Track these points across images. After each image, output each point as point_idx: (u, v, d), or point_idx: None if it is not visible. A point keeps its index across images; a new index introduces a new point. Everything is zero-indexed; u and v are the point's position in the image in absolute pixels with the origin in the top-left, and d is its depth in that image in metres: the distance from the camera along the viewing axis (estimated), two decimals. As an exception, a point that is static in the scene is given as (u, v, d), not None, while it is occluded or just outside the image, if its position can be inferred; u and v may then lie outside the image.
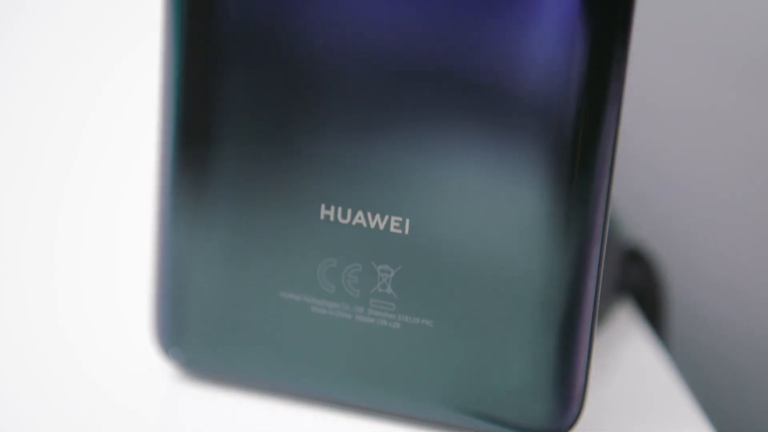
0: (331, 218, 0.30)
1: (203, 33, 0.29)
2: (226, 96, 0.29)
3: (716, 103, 0.43)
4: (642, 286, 0.41)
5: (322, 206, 0.30)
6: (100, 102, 0.50)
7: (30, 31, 0.52)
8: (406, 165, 0.29)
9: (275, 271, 0.30)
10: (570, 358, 0.29)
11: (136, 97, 0.47)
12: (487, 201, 0.29)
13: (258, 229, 0.30)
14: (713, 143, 0.43)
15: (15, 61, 0.51)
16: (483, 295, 0.29)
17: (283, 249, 0.30)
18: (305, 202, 0.30)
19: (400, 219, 0.29)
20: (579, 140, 0.28)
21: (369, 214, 0.29)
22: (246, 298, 0.31)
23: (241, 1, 0.29)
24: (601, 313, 0.35)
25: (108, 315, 0.37)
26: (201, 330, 0.31)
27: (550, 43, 0.27)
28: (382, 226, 0.29)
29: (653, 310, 0.40)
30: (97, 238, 0.43)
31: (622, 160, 0.31)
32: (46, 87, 0.50)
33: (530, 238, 0.28)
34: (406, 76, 0.28)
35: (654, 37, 0.42)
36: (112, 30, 0.50)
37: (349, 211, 0.29)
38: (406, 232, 0.29)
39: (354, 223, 0.29)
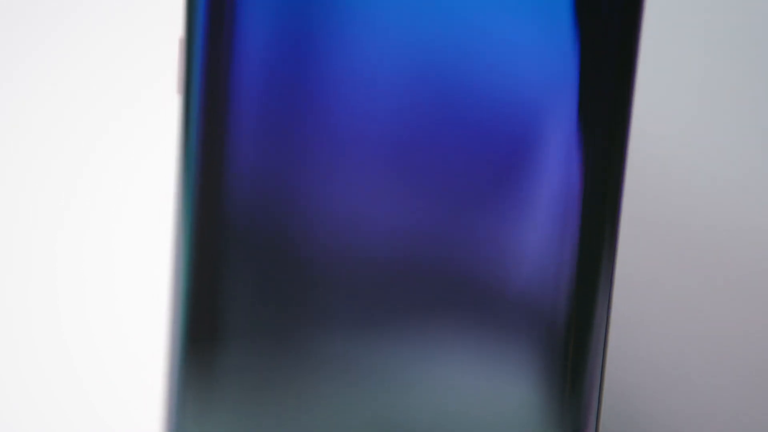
0: (336, 413, 0.30)
1: (212, 231, 0.29)
2: (234, 292, 0.30)
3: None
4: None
5: (326, 401, 0.30)
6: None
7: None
8: (403, 361, 0.29)
9: None
10: None
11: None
12: (480, 398, 0.29)
13: (265, 424, 0.30)
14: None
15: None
16: None
17: None
18: (310, 399, 0.30)
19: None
20: (572, 336, 0.28)
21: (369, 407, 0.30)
22: None
23: (247, 200, 0.29)
24: None
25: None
26: None
27: (541, 238, 0.28)
28: None
29: None
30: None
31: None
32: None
33: None
34: (402, 274, 0.29)
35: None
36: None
37: (351, 404, 0.30)
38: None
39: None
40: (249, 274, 0.29)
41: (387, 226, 0.28)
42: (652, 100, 0.39)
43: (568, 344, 0.28)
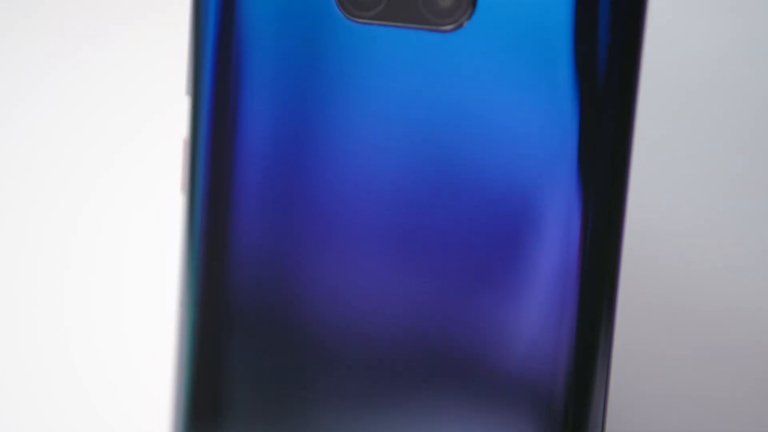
0: None
1: (215, 311, 0.29)
2: (235, 371, 0.29)
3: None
4: None
5: None
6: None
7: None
8: None
9: None
10: None
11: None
12: None
13: None
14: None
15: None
16: None
17: None
18: None
19: None
20: (570, 415, 0.28)
21: None
22: None
23: (248, 280, 0.29)
24: None
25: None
26: None
27: (539, 316, 0.27)
28: None
29: None
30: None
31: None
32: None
33: None
34: (401, 351, 0.28)
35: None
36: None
37: None
38: None
39: None
40: (250, 351, 0.29)
41: (386, 304, 0.28)
42: (649, 178, 0.39)
43: (566, 424, 0.28)
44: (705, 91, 0.40)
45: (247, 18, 0.28)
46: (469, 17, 0.27)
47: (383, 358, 0.28)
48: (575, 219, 0.27)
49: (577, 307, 0.27)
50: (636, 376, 0.40)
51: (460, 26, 0.27)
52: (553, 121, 0.27)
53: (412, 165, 0.28)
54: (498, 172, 0.27)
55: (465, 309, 0.28)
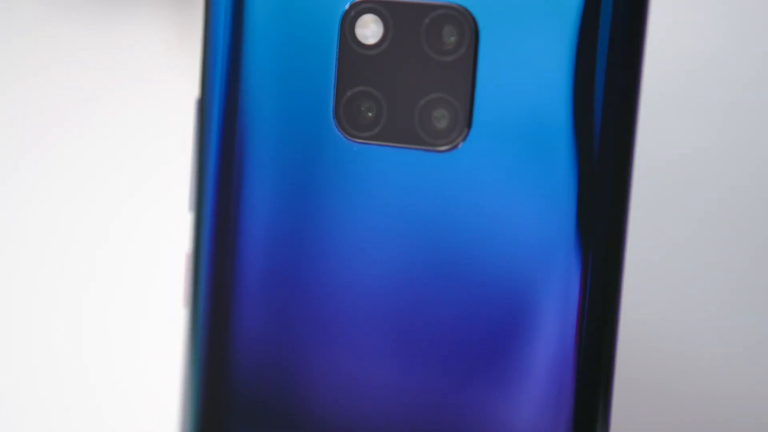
0: None
1: (217, 406, 0.30)
2: None
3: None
4: None
5: None
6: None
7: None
8: None
9: None
10: None
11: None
12: None
13: None
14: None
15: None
16: None
17: None
18: None
19: None
20: None
21: None
22: None
23: (250, 375, 0.29)
24: None
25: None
26: None
27: (536, 406, 0.28)
28: None
29: None
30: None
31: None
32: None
33: None
34: None
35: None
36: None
37: None
38: None
39: None
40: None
41: (384, 396, 0.29)
42: (644, 267, 0.39)
43: None
44: (696, 185, 0.40)
45: (248, 136, 0.28)
46: (465, 138, 0.27)
47: None
48: (572, 308, 0.27)
49: (574, 397, 0.28)
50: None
51: (455, 147, 0.27)
52: (547, 220, 0.27)
53: (410, 270, 0.28)
54: (493, 270, 0.28)
55: (463, 399, 0.28)
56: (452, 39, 0.27)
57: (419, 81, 0.27)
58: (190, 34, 0.56)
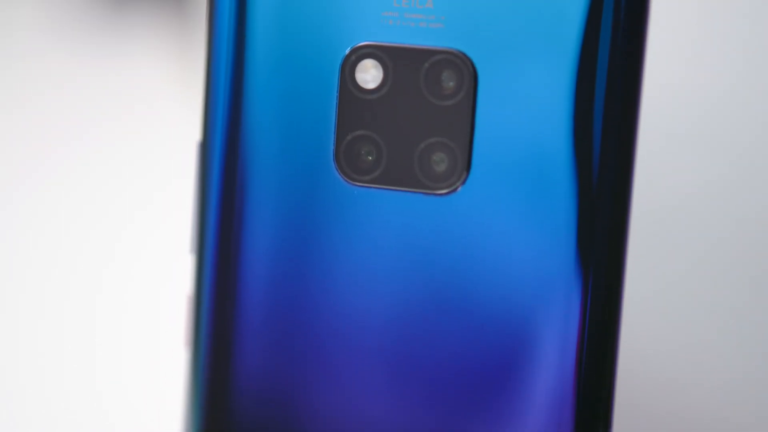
0: None
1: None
2: None
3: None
4: None
5: None
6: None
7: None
8: None
9: None
10: None
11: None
12: None
13: None
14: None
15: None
16: None
17: None
18: None
19: None
20: None
21: None
22: None
23: (251, 408, 0.29)
24: None
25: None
26: None
27: None
28: None
29: None
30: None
31: None
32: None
33: None
34: None
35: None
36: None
37: None
38: None
39: None
40: None
41: (384, 429, 0.29)
42: (642, 306, 0.40)
43: None
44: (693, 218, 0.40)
45: (249, 179, 0.28)
46: (464, 182, 0.28)
47: None
48: (571, 343, 0.28)
49: (574, 430, 0.28)
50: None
51: (454, 191, 0.28)
52: (546, 257, 0.27)
53: (410, 310, 0.28)
54: (492, 309, 0.28)
55: None
56: (451, 84, 0.27)
57: (418, 125, 0.28)
58: (192, 66, 0.56)
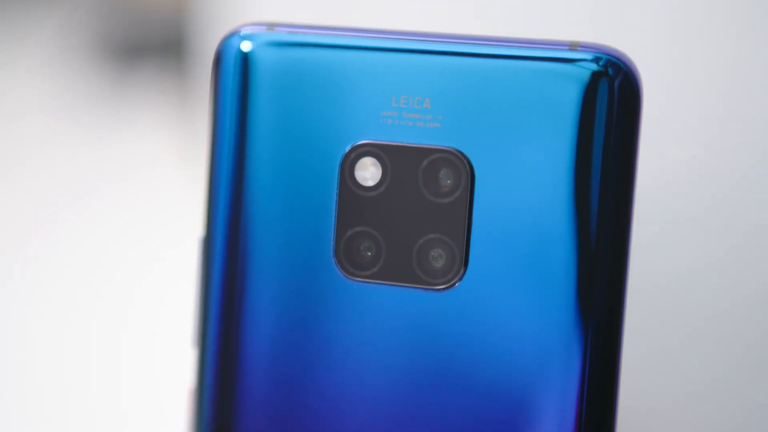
0: None
1: None
2: None
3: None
4: None
5: None
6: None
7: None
8: None
9: None
10: None
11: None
12: None
13: None
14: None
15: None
16: None
17: None
18: None
19: None
20: None
21: None
22: None
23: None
24: None
25: None
26: None
27: None
28: None
29: None
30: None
31: None
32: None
33: None
34: None
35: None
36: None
37: None
38: None
39: None
40: None
41: None
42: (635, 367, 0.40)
43: None
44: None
45: (250, 274, 0.29)
46: (461, 278, 0.28)
47: None
48: (569, 413, 0.28)
49: None
50: None
51: (452, 287, 0.28)
52: (542, 341, 0.28)
53: (411, 401, 0.28)
54: (490, 396, 0.28)
55: None
56: (449, 182, 0.28)
57: (417, 222, 0.28)
58: (191, 138, 0.57)
